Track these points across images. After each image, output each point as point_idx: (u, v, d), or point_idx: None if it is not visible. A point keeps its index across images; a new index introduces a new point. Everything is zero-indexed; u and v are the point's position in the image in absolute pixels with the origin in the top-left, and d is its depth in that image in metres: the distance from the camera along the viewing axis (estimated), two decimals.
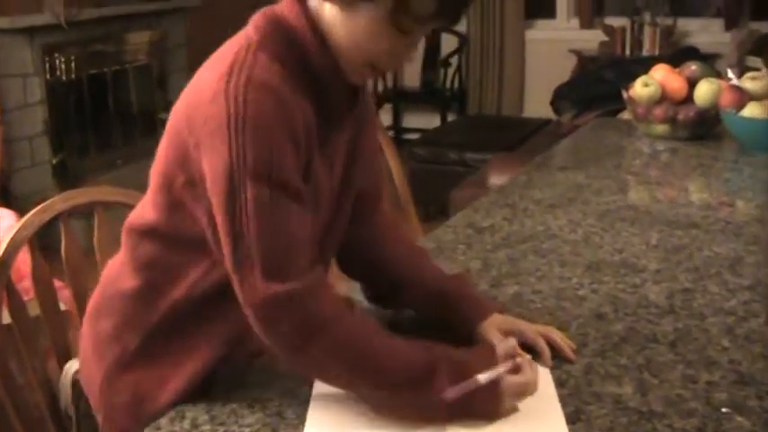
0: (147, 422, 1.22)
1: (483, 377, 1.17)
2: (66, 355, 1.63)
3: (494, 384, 1.18)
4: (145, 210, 1.32)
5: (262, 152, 1.13)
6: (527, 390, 1.21)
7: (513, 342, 1.29)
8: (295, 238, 1.15)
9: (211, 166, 1.15)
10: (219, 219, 1.15)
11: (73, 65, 4.94)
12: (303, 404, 1.22)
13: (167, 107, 5.80)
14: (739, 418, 1.18)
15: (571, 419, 1.18)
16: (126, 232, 1.36)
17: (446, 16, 1.21)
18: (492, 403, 1.18)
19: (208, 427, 1.17)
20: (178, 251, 1.28)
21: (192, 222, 1.23)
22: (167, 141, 1.26)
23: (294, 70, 1.20)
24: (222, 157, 1.13)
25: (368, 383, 1.16)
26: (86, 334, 1.41)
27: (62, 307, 1.75)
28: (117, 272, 1.37)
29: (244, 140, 1.12)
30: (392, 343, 1.19)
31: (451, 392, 1.15)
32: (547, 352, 1.33)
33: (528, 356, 1.27)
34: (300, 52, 1.21)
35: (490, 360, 1.22)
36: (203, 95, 1.17)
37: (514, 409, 1.20)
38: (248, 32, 1.24)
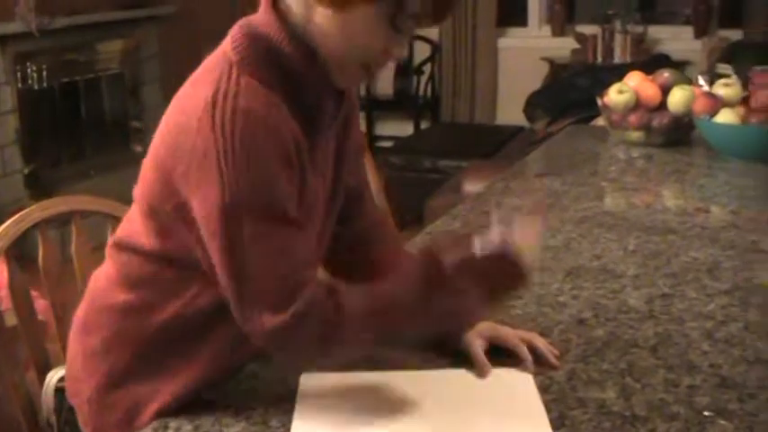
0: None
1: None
2: (44, 365, 1.61)
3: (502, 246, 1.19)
4: (133, 229, 1.29)
5: (256, 186, 1.11)
6: (537, 224, 1.26)
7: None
8: (297, 266, 1.13)
9: (203, 201, 1.13)
10: (216, 257, 1.14)
11: (45, 73, 4.90)
12: (288, 412, 1.22)
13: (140, 116, 5.77)
14: (722, 422, 1.19)
15: (556, 425, 1.18)
16: (113, 248, 1.34)
17: (440, 13, 1.21)
18: (509, 258, 1.18)
19: None
20: (171, 270, 1.25)
21: (184, 248, 1.21)
22: (152, 165, 1.23)
23: (279, 89, 1.18)
24: (214, 193, 1.11)
25: (397, 333, 1.17)
26: (74, 349, 1.39)
27: (39, 317, 1.73)
28: (104, 286, 1.35)
29: (236, 175, 1.10)
30: (389, 287, 1.20)
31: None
32: (529, 358, 1.33)
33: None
34: (282, 67, 1.19)
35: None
36: (189, 124, 1.14)
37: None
38: (226, 50, 1.21)
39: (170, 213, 1.20)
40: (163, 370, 1.27)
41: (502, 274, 1.19)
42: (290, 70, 1.20)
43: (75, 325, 1.38)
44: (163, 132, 1.22)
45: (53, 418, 1.49)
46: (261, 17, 1.22)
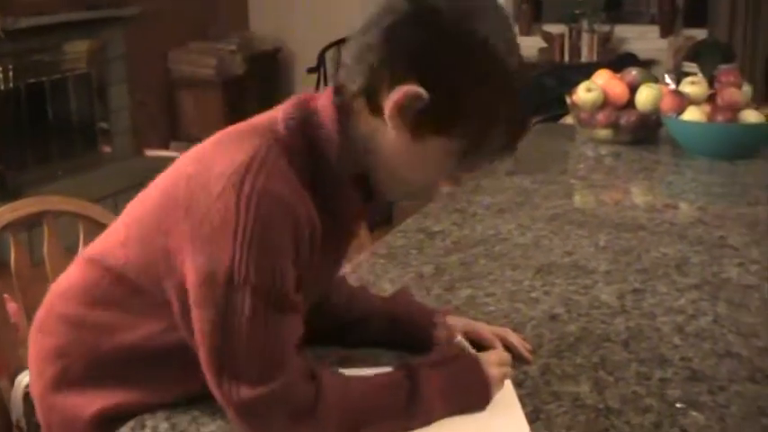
0: None
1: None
2: (15, 369, 1.60)
3: (471, 358, 1.24)
4: (112, 247, 1.26)
5: (265, 268, 1.09)
6: (504, 358, 1.27)
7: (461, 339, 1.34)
8: (285, 349, 1.12)
9: (206, 264, 1.10)
10: (205, 317, 1.11)
11: (11, 74, 4.86)
12: None
13: (107, 117, 5.72)
14: (694, 413, 1.20)
15: (531, 419, 1.19)
16: (86, 262, 1.30)
17: (511, 147, 1.22)
18: (479, 374, 1.22)
19: None
20: (140, 301, 1.21)
21: (159, 290, 1.18)
22: (159, 197, 1.20)
23: (310, 182, 1.15)
24: (223, 261, 1.09)
25: (366, 427, 1.15)
26: (31, 347, 1.37)
27: (12, 320, 1.72)
28: (67, 295, 1.31)
29: (249, 255, 1.08)
30: (370, 381, 1.19)
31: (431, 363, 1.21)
32: None
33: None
34: (322, 165, 1.17)
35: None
36: (211, 184, 1.11)
37: (505, 378, 1.25)
38: (276, 119, 1.19)
39: (157, 251, 1.17)
40: (109, 385, 1.24)
41: (470, 380, 1.22)
42: (328, 171, 1.18)
43: (35, 324, 1.35)
44: (183, 172, 1.18)
45: (23, 422, 1.48)
46: (322, 107, 1.19)
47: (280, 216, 1.10)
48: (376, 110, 1.16)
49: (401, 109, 1.13)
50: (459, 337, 1.34)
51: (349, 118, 1.18)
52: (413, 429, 1.17)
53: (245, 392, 1.09)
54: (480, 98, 1.14)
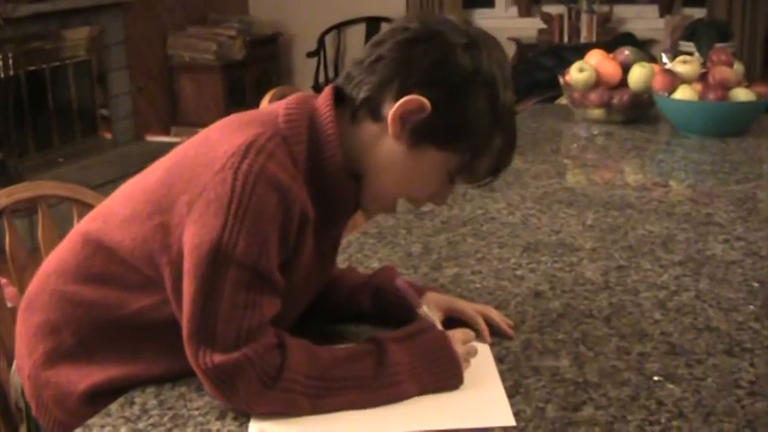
0: (82, 411, 1.24)
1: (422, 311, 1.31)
2: (12, 351, 1.63)
3: (438, 332, 1.27)
4: (109, 224, 1.29)
5: (253, 245, 1.14)
6: (468, 336, 1.30)
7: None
8: (261, 321, 1.16)
9: (198, 233, 1.15)
10: (190, 285, 1.15)
11: (10, 62, 4.89)
12: None
13: (107, 104, 5.75)
14: (670, 386, 1.23)
15: (510, 393, 1.22)
16: (80, 237, 1.33)
17: (495, 177, 1.29)
18: (446, 348, 1.25)
19: (157, 411, 1.19)
20: (133, 276, 1.25)
21: (153, 266, 1.23)
22: (162, 176, 1.24)
23: (307, 175, 1.21)
24: (213, 231, 1.14)
25: (333, 395, 1.18)
26: (19, 327, 1.39)
27: (9, 305, 1.75)
28: (59, 271, 1.33)
29: (239, 228, 1.13)
30: (337, 351, 1.23)
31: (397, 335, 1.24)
32: (485, 329, 1.37)
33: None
34: (319, 161, 1.22)
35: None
36: (214, 161, 1.17)
37: (469, 355, 1.27)
38: (279, 113, 1.23)
39: (153, 229, 1.22)
40: (101, 359, 1.28)
41: (438, 365, 1.24)
42: (326, 168, 1.23)
43: (23, 303, 1.38)
44: (188, 152, 1.24)
45: (21, 403, 1.50)
46: (322, 108, 1.24)
47: (273, 198, 1.15)
48: (378, 117, 1.22)
49: (403, 115, 1.20)
50: (424, 307, 1.36)
51: (351, 123, 1.24)
52: (381, 402, 1.19)
53: (218, 358, 1.13)
54: (478, 120, 1.21)
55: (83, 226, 1.35)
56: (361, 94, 1.23)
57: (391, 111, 1.20)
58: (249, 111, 1.31)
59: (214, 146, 1.20)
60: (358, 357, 1.22)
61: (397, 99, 1.20)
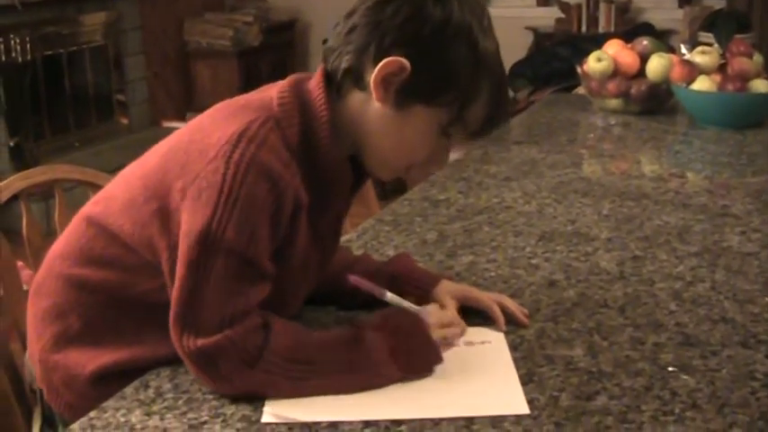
0: (90, 393, 1.25)
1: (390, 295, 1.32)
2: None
3: (413, 317, 1.28)
4: (111, 208, 1.30)
5: (243, 233, 1.15)
6: (446, 318, 1.31)
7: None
8: (246, 306, 1.16)
9: (189, 220, 1.16)
10: (180, 268, 1.16)
11: (28, 46, 4.90)
12: None
13: (124, 89, 5.76)
14: (684, 377, 1.23)
15: (524, 381, 1.22)
16: (83, 220, 1.34)
17: (489, 130, 1.28)
18: (420, 332, 1.25)
19: (171, 395, 1.19)
20: (135, 260, 1.26)
21: (152, 250, 1.23)
22: (159, 162, 1.25)
23: (301, 157, 1.21)
24: (204, 217, 1.14)
25: (313, 378, 1.18)
26: (30, 312, 1.40)
27: (24, 288, 1.76)
28: (63, 253, 1.35)
29: (230, 216, 1.14)
30: (319, 334, 1.24)
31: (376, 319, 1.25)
32: (501, 317, 1.37)
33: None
34: (313, 143, 1.22)
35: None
36: (207, 149, 1.18)
37: (445, 339, 1.28)
38: (272, 97, 1.24)
39: (151, 214, 1.22)
40: (108, 342, 1.29)
41: (414, 348, 1.24)
42: (317, 148, 1.22)
43: (32, 288, 1.39)
44: (183, 138, 1.25)
45: (35, 385, 1.51)
46: (314, 89, 1.24)
47: (264, 187, 1.15)
48: (363, 85, 1.22)
49: (385, 78, 1.19)
50: (389, 294, 1.35)
51: (339, 97, 1.24)
52: (361, 385, 1.19)
53: (200, 341, 1.14)
54: (460, 70, 1.20)
55: (86, 209, 1.36)
56: (343, 65, 1.23)
57: (372, 77, 1.20)
58: (244, 95, 1.31)
59: (208, 132, 1.21)
60: (337, 341, 1.22)
61: (376, 63, 1.19)
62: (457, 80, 1.21)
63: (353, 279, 1.35)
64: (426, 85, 1.20)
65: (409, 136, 1.25)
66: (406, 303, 1.35)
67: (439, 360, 1.25)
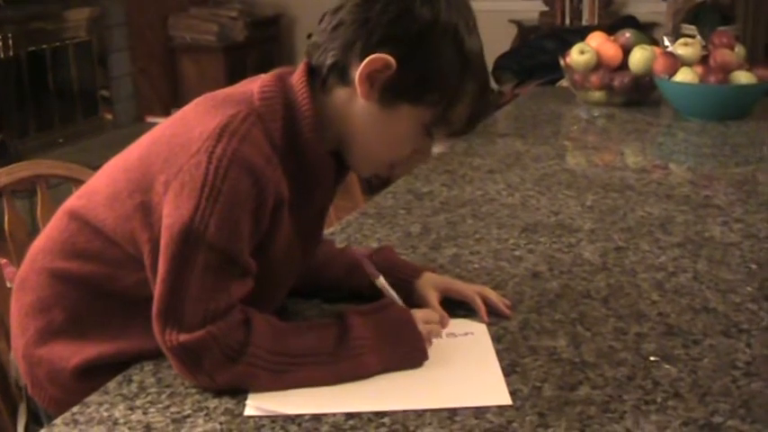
0: (75, 387, 1.25)
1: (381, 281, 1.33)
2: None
3: (401, 309, 1.28)
4: (93, 202, 1.29)
5: (224, 228, 1.15)
6: (430, 316, 1.31)
7: None
8: (228, 302, 1.16)
9: (171, 214, 1.16)
10: (163, 262, 1.16)
11: (11, 42, 4.88)
12: None
13: (108, 85, 5.73)
14: (666, 366, 1.23)
15: (507, 372, 1.22)
16: (66, 214, 1.34)
17: (471, 127, 1.29)
18: (408, 324, 1.25)
19: (154, 389, 1.19)
20: (117, 254, 1.26)
21: (134, 244, 1.23)
22: (140, 156, 1.25)
23: (283, 152, 1.21)
24: (185, 213, 1.14)
25: (295, 370, 1.18)
26: (13, 308, 1.40)
27: (8, 285, 1.75)
28: (46, 247, 1.35)
29: (211, 211, 1.14)
30: (300, 325, 1.24)
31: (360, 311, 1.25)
32: (483, 308, 1.37)
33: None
34: (296, 138, 1.22)
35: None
36: (190, 143, 1.17)
37: (431, 335, 1.27)
38: (254, 91, 1.23)
39: (134, 208, 1.22)
40: (92, 335, 1.29)
41: (401, 341, 1.24)
42: (300, 142, 1.23)
43: (16, 284, 1.39)
44: (165, 131, 1.26)
45: (21, 382, 1.51)
46: (297, 84, 1.24)
47: (246, 182, 1.15)
48: (348, 81, 1.22)
49: (370, 75, 1.20)
50: (381, 279, 1.35)
51: (323, 92, 1.24)
52: (342, 376, 1.19)
53: (183, 337, 1.15)
54: (446, 70, 1.21)
55: (69, 203, 1.36)
56: (328, 61, 1.23)
57: (357, 73, 1.20)
58: (226, 88, 1.31)
59: (191, 126, 1.21)
60: (319, 331, 1.22)
61: (361, 60, 1.20)
62: (443, 80, 1.22)
63: (357, 254, 1.38)
64: (412, 84, 1.21)
65: (393, 134, 1.25)
66: (395, 294, 1.35)
67: (425, 357, 1.25)
